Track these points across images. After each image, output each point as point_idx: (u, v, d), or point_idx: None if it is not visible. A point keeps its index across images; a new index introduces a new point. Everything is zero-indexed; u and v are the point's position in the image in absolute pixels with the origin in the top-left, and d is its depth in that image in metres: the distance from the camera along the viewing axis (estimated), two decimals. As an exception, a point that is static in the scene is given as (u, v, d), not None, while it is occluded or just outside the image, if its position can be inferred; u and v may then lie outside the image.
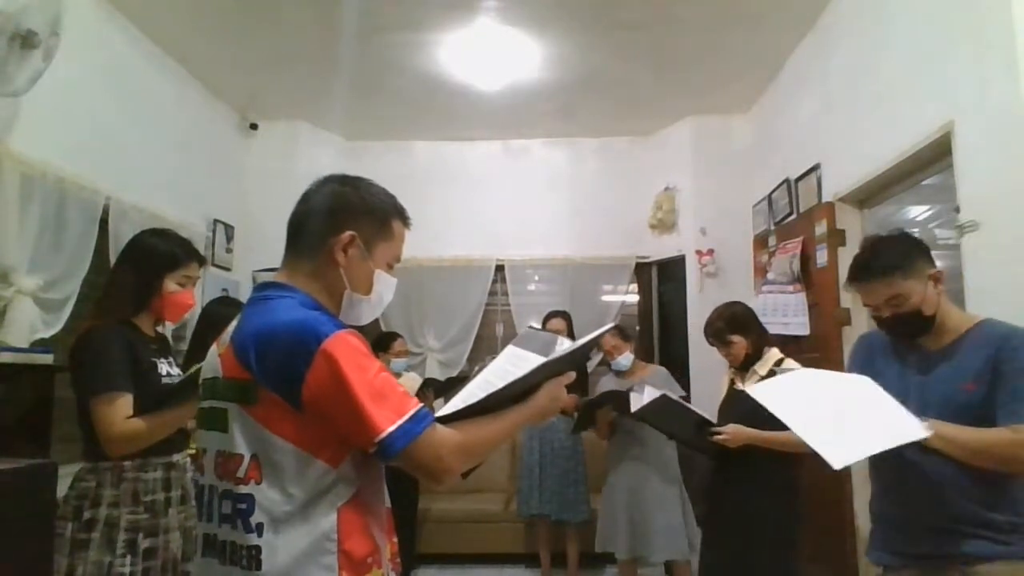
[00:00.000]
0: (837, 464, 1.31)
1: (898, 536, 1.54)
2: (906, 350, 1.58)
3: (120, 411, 1.61)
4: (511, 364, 1.09)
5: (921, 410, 1.43)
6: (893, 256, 1.51)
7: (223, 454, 0.99)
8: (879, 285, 1.50)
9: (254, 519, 0.94)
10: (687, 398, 3.17)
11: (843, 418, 1.40)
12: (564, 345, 1.13)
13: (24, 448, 2.17)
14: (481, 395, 1.02)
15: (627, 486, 3.14)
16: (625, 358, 3.22)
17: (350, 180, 1.14)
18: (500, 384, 1.03)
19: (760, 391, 1.59)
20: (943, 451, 1.39)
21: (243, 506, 0.95)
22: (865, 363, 1.66)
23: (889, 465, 1.54)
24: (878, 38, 2.75)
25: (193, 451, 1.91)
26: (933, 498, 1.46)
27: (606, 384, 3.31)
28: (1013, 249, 1.92)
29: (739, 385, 2.50)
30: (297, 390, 0.93)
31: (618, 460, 3.23)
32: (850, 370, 1.70)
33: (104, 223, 3.05)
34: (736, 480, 2.40)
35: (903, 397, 1.48)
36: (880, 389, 1.43)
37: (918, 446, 1.40)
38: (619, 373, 3.27)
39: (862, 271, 1.55)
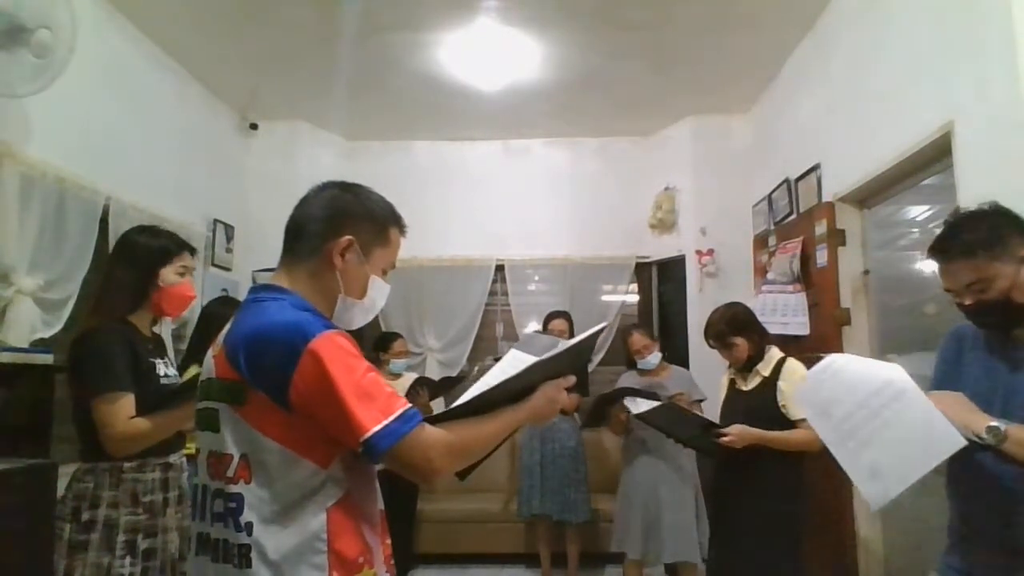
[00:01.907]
0: (875, 506, 1.26)
1: (964, 556, 1.39)
2: (1000, 344, 1.38)
3: (123, 411, 1.61)
4: (512, 367, 1.09)
5: (1005, 412, 1.28)
6: (979, 233, 1.30)
7: (214, 454, 1.00)
8: (960, 266, 1.31)
9: (243, 518, 0.95)
10: (701, 401, 3.16)
11: (874, 436, 1.27)
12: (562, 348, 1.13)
13: (24, 448, 2.18)
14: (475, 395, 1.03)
15: (643, 485, 3.13)
16: (654, 357, 3.25)
17: (350, 186, 1.15)
18: (493, 384, 1.03)
19: (805, 401, 1.46)
20: (1020, 459, 1.23)
21: (233, 505, 0.96)
22: (952, 358, 1.48)
23: (963, 474, 1.38)
24: (878, 38, 2.74)
25: (188, 451, 1.91)
26: (1008, 515, 1.29)
27: (626, 381, 3.31)
28: (1013, 249, 1.92)
29: (740, 385, 2.50)
30: (285, 390, 0.93)
31: (634, 459, 3.22)
32: (938, 366, 1.54)
33: (104, 223, 3.05)
34: (741, 480, 2.40)
35: (988, 397, 1.33)
36: (913, 385, 1.27)
37: (995, 453, 1.25)
38: (643, 372, 3.28)
39: (941, 250, 1.35)
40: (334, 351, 0.94)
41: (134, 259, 1.79)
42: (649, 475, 3.13)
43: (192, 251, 1.89)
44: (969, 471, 1.33)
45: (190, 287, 1.87)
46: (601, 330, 1.21)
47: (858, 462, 1.29)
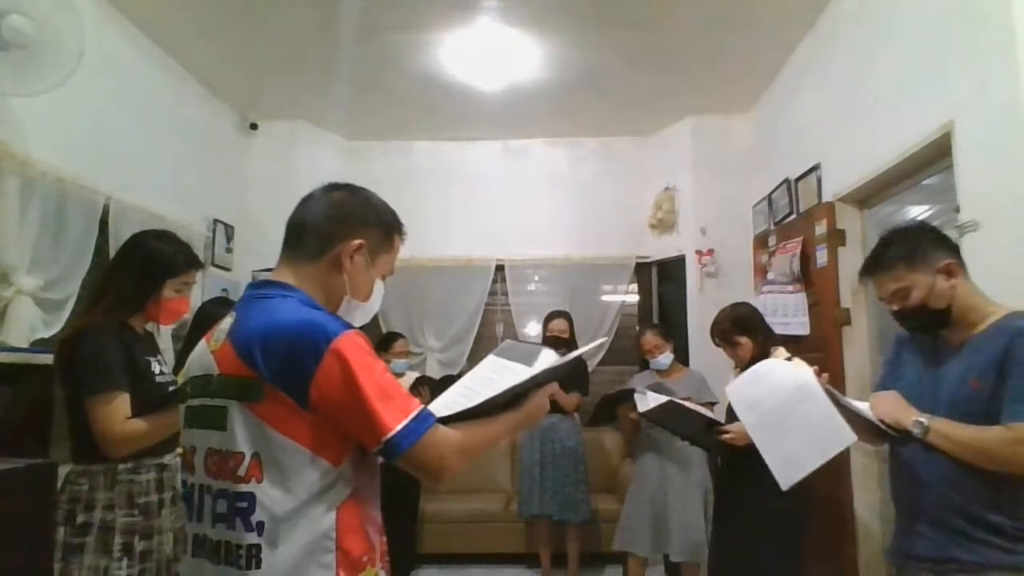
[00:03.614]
0: (784, 486, 1.49)
1: (908, 538, 1.51)
2: (928, 345, 1.54)
3: (119, 411, 1.60)
4: (494, 372, 1.12)
5: (932, 406, 1.42)
6: (900, 248, 1.48)
7: (218, 452, 0.98)
8: (884, 278, 1.49)
9: (255, 518, 0.94)
10: (713, 404, 3.15)
11: (789, 429, 1.47)
12: (545, 355, 1.15)
13: (24, 448, 2.17)
14: (474, 400, 1.05)
15: (652, 484, 3.14)
16: (666, 357, 3.25)
17: (357, 190, 1.17)
18: (491, 393, 1.06)
19: (734, 395, 1.64)
20: (944, 450, 1.37)
21: (243, 505, 0.95)
22: (894, 358, 1.65)
23: (898, 466, 1.52)
24: (878, 38, 2.74)
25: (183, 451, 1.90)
26: (940, 500, 1.41)
27: (638, 381, 3.32)
28: (1013, 249, 1.92)
29: None
30: (305, 388, 0.93)
31: (644, 458, 3.23)
32: (882, 368, 1.71)
33: (104, 223, 3.05)
34: (742, 478, 2.41)
35: (920, 393, 1.47)
36: (819, 391, 1.47)
37: (922, 445, 1.39)
38: (656, 372, 3.27)
39: (869, 264, 1.53)
40: (356, 351, 0.95)
41: (144, 265, 1.78)
42: (659, 474, 3.13)
43: (199, 267, 1.90)
44: (903, 461, 1.50)
45: (186, 303, 1.87)
46: (600, 345, 1.26)
47: (775, 450, 1.53)
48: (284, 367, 0.94)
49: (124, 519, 1.62)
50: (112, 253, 3.02)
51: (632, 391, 2.89)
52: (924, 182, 2.65)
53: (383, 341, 3.82)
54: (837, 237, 3.09)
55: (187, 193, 3.84)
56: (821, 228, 3.19)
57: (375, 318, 4.54)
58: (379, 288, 1.17)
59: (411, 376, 3.78)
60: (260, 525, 0.94)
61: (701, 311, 4.25)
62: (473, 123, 4.73)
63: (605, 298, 4.91)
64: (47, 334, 2.64)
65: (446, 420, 1.02)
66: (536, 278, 5.00)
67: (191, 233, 3.64)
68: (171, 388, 1.75)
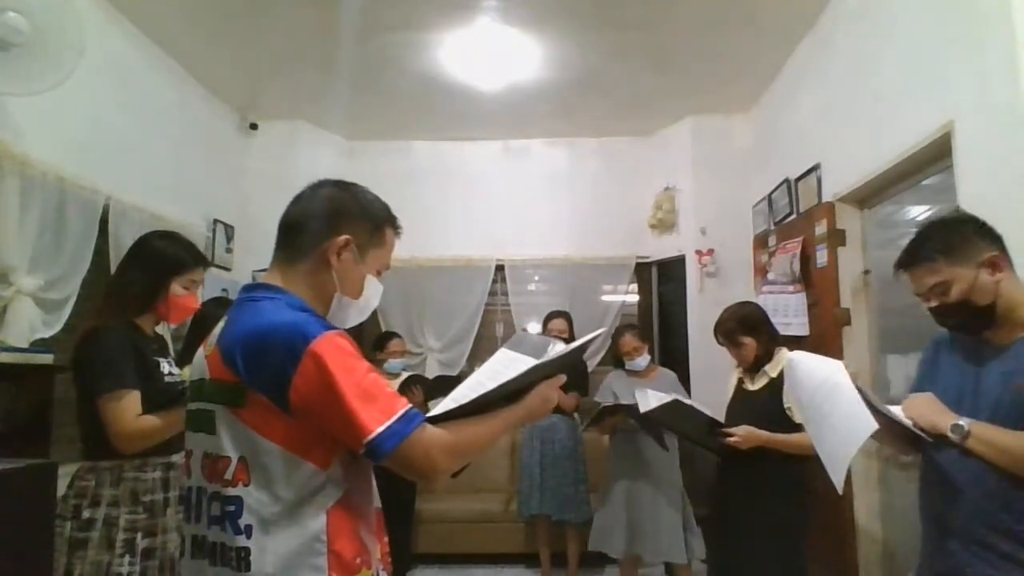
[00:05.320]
0: (837, 486, 1.31)
1: (940, 556, 1.39)
2: (970, 345, 1.42)
3: (130, 408, 1.63)
4: (503, 366, 1.10)
5: (974, 411, 1.33)
6: (939, 240, 1.36)
7: (210, 456, 0.99)
8: (922, 272, 1.38)
9: (243, 521, 0.94)
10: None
11: (821, 423, 1.36)
12: (557, 348, 1.13)
13: (24, 448, 2.18)
14: (472, 396, 1.03)
15: (627, 486, 3.15)
16: (643, 359, 3.27)
17: (347, 185, 1.14)
18: (491, 385, 1.03)
19: (794, 398, 1.52)
20: (983, 455, 1.27)
21: (231, 508, 0.95)
22: (931, 361, 1.54)
23: (931, 473, 1.42)
24: (878, 38, 2.74)
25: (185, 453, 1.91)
26: (974, 510, 1.31)
27: (615, 380, 3.32)
28: (1013, 249, 1.92)
29: (747, 385, 2.50)
30: (285, 392, 0.92)
31: (620, 461, 3.25)
32: (918, 370, 1.59)
33: (104, 223, 3.05)
34: (745, 482, 2.40)
35: (959, 397, 1.38)
36: (845, 379, 1.35)
37: (960, 451, 1.30)
38: (631, 373, 3.28)
39: (905, 256, 1.42)
40: (335, 352, 0.94)
41: (149, 264, 1.81)
42: (633, 475, 3.15)
43: (206, 265, 1.92)
44: (937, 467, 1.38)
45: (195, 299, 1.90)
46: (598, 336, 1.23)
47: (821, 447, 1.39)
48: (263, 371, 0.94)
49: (128, 516, 1.65)
50: (112, 253, 3.04)
51: (626, 406, 2.91)
52: (924, 182, 2.64)
53: (378, 341, 3.82)
54: (837, 237, 3.09)
55: (187, 193, 3.84)
56: (821, 228, 3.19)
57: (375, 317, 4.53)
58: (374, 284, 1.13)
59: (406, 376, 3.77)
60: (248, 528, 0.94)
61: (701, 311, 4.26)
62: (473, 123, 4.72)
63: (605, 298, 4.91)
64: (47, 334, 2.64)
65: (439, 418, 1.00)
66: (536, 278, 5.00)
67: (191, 233, 3.63)
68: (180, 387, 1.77)
